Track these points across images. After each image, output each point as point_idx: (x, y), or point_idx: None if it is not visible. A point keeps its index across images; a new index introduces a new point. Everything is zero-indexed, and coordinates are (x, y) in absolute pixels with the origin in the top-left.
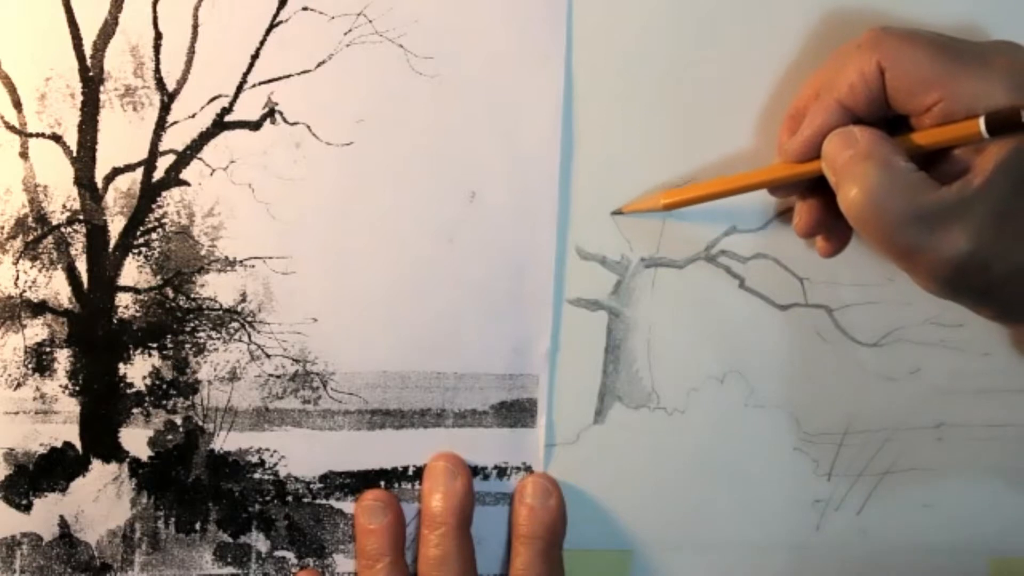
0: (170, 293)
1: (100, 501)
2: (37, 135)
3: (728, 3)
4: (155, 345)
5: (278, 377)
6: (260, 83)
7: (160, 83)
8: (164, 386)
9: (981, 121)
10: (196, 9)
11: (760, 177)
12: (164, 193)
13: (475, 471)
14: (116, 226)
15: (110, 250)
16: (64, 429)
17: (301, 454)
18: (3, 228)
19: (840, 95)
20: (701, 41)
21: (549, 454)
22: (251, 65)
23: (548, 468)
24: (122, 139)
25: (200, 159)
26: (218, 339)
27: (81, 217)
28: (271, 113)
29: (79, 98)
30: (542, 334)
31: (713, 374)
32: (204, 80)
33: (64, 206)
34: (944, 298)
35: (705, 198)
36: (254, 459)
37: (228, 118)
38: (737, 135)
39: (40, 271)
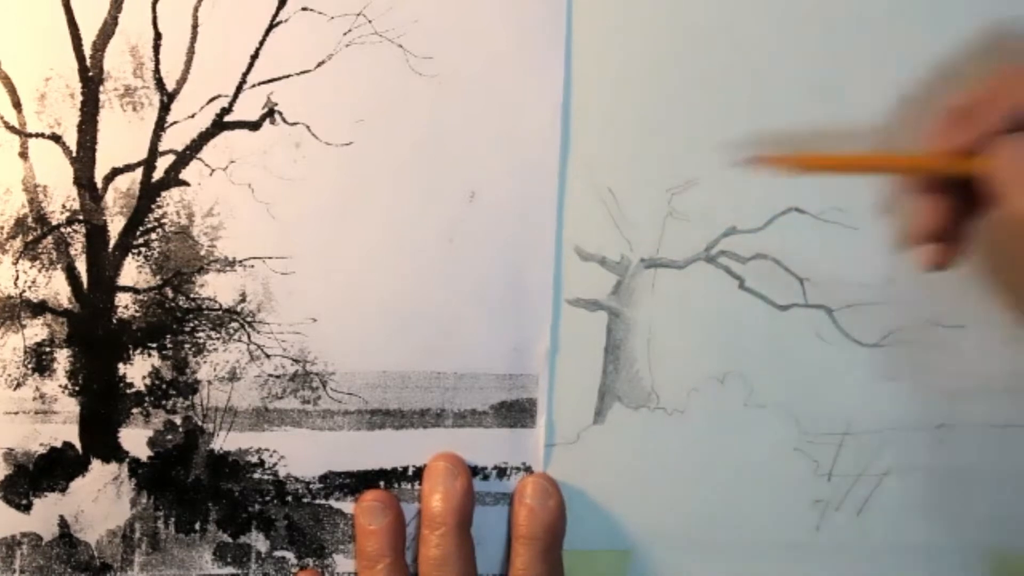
0: (170, 293)
1: (100, 501)
2: (37, 135)
3: (729, 3)
4: (155, 345)
5: (278, 377)
6: (260, 83)
7: (160, 83)
8: (164, 386)
9: None
10: (196, 9)
11: (912, 162)
12: (164, 193)
13: (475, 471)
14: (116, 226)
15: (110, 250)
16: (64, 429)
17: (301, 454)
18: (3, 228)
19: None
20: (701, 41)
21: (549, 454)
22: (251, 65)
23: (548, 468)
24: (122, 139)
25: (200, 159)
26: (218, 339)
27: (81, 217)
28: (271, 113)
29: (79, 98)
30: (542, 334)
31: (713, 374)
32: (204, 80)
33: (64, 206)
34: None
35: (844, 169)
36: (254, 459)
37: (228, 118)
38: (738, 135)
39: (40, 271)
